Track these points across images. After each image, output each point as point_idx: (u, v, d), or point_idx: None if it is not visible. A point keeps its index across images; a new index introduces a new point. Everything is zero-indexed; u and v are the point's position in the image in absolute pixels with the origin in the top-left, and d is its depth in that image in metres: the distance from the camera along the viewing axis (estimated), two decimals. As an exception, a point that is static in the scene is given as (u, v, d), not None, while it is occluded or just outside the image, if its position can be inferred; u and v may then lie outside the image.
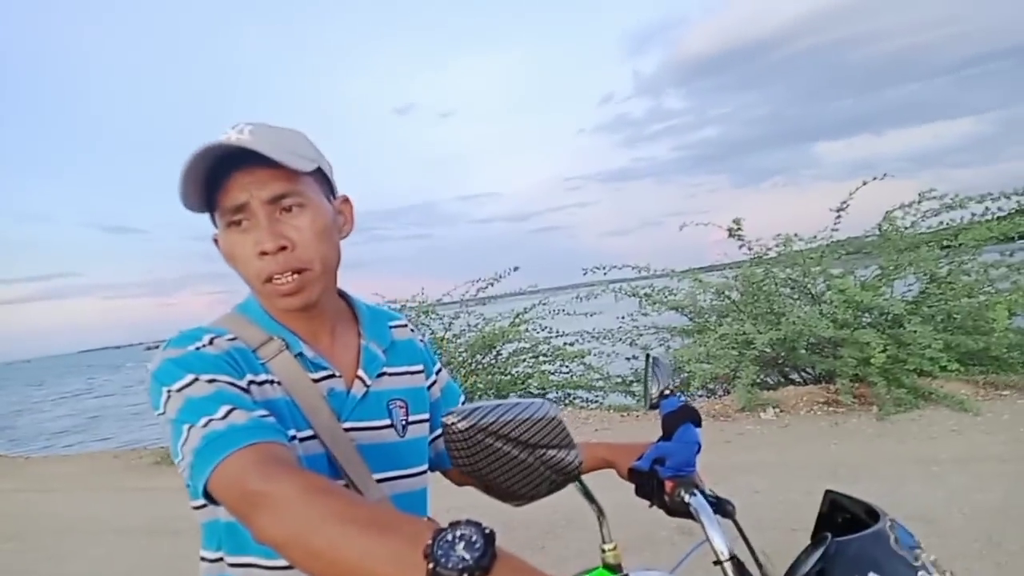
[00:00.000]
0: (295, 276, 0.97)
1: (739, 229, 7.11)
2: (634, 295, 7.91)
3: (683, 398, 1.17)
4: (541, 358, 8.26)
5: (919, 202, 6.86)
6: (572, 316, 8.45)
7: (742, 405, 6.17)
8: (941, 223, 7.07)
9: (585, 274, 7.87)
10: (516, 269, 8.59)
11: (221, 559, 1.00)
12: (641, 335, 7.93)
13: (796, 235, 7.23)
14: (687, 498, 1.03)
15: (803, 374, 7.10)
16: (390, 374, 1.12)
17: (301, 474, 0.76)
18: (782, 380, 7.21)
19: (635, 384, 7.97)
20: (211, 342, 0.95)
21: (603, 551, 1.26)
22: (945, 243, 6.79)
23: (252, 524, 0.74)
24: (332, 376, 1.04)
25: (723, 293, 7.55)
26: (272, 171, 0.95)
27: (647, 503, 1.14)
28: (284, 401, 0.97)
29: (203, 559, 1.04)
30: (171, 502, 6.11)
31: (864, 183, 7.10)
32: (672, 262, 7.94)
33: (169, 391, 0.88)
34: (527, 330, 8.38)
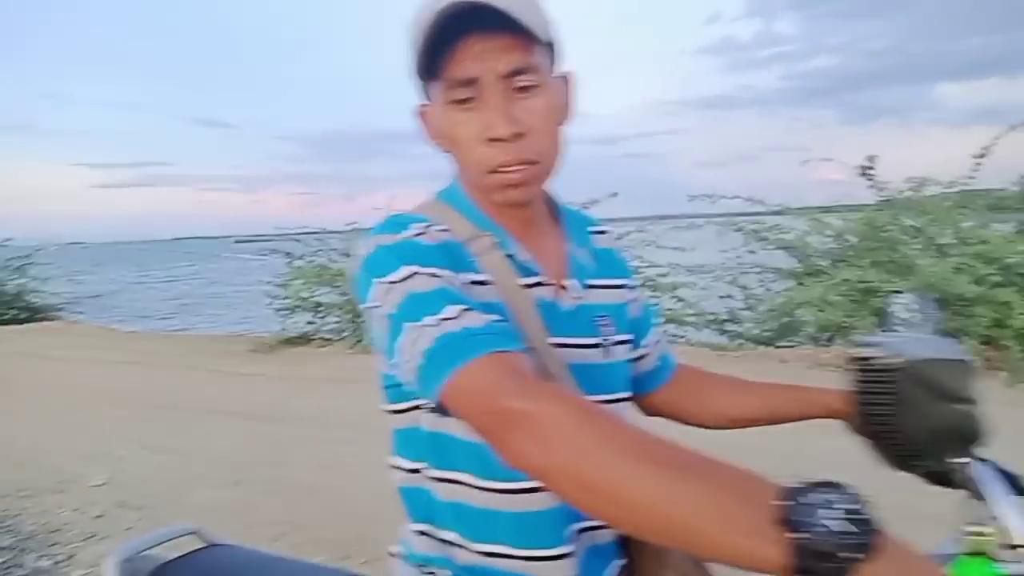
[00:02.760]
0: (525, 167, 0.85)
1: (871, 168, 6.60)
2: (740, 230, 7.53)
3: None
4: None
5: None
6: (663, 249, 8.13)
7: (854, 357, 5.82)
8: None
9: (691, 201, 7.51)
10: (615, 195, 8.30)
11: (419, 471, 0.91)
12: (745, 273, 7.58)
13: (929, 179, 6.69)
14: (964, 467, 0.84)
15: (919, 330, 6.65)
16: (596, 286, 0.98)
17: (566, 393, 0.65)
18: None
19: (728, 323, 7.68)
20: (424, 231, 0.83)
21: (975, 534, 1.01)
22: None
23: (506, 445, 0.64)
24: (541, 284, 0.90)
25: (842, 236, 7.08)
26: (511, 39, 0.81)
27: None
28: (500, 306, 0.83)
29: (395, 467, 0.94)
30: (269, 389, 6.31)
31: (1013, 128, 6.49)
32: (768, 200, 7.49)
33: (386, 282, 0.77)
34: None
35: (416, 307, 0.74)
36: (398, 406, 0.90)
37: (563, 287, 0.93)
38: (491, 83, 0.82)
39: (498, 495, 0.86)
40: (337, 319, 8.88)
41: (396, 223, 0.84)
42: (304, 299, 8.72)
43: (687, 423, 1.13)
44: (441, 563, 0.90)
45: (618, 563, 0.93)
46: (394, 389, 0.89)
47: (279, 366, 7.43)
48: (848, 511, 0.47)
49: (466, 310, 0.73)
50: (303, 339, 8.62)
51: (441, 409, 0.71)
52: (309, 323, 8.83)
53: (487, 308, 0.77)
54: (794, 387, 1.05)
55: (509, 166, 0.84)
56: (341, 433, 4.77)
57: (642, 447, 0.57)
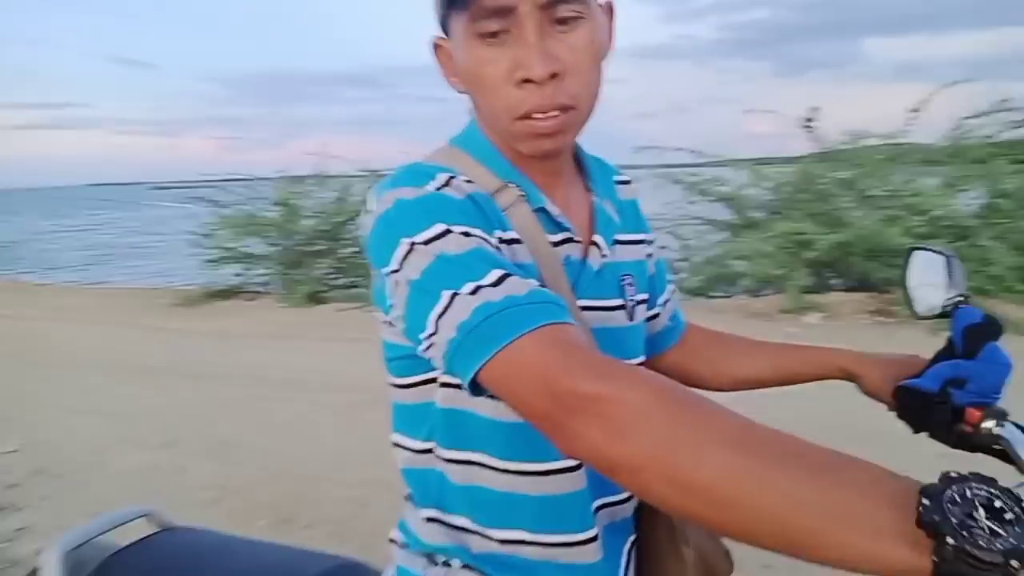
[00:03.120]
0: (560, 113, 0.74)
1: (813, 120, 6.68)
2: (679, 182, 7.55)
3: (982, 309, 0.91)
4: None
5: (995, 112, 6.47)
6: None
7: (788, 307, 5.98)
8: (1016, 137, 6.71)
9: (637, 153, 7.48)
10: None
11: (430, 451, 0.81)
12: (683, 224, 7.63)
13: (864, 132, 6.83)
14: (998, 431, 0.79)
15: (847, 279, 6.87)
16: (622, 242, 0.89)
17: (644, 373, 0.56)
18: (822, 284, 7.00)
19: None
20: (448, 182, 0.72)
21: None
22: (1021, 158, 6.42)
23: (567, 432, 0.55)
24: (570, 240, 0.81)
25: (778, 188, 7.20)
26: None
27: (911, 429, 0.91)
28: (533, 267, 0.74)
29: (400, 446, 0.85)
30: (196, 345, 6.05)
31: (946, 86, 6.67)
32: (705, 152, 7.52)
33: (412, 243, 0.67)
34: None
35: (448, 272, 0.64)
36: (406, 380, 0.80)
37: (591, 244, 0.84)
38: (527, 13, 0.70)
39: (521, 477, 0.78)
40: (266, 271, 8.59)
41: (417, 173, 0.73)
42: (231, 250, 8.39)
43: (694, 386, 1.06)
44: (453, 552, 0.81)
45: (633, 538, 0.87)
46: (402, 361, 0.79)
47: (206, 320, 7.14)
48: (1004, 510, 0.40)
49: (506, 275, 0.63)
50: (231, 292, 8.31)
51: (476, 389, 0.62)
52: (237, 275, 8.52)
53: (521, 271, 0.67)
54: (805, 348, 0.99)
55: (542, 111, 0.73)
56: (275, 391, 4.61)
57: (751, 437, 0.49)
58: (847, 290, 6.73)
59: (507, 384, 0.59)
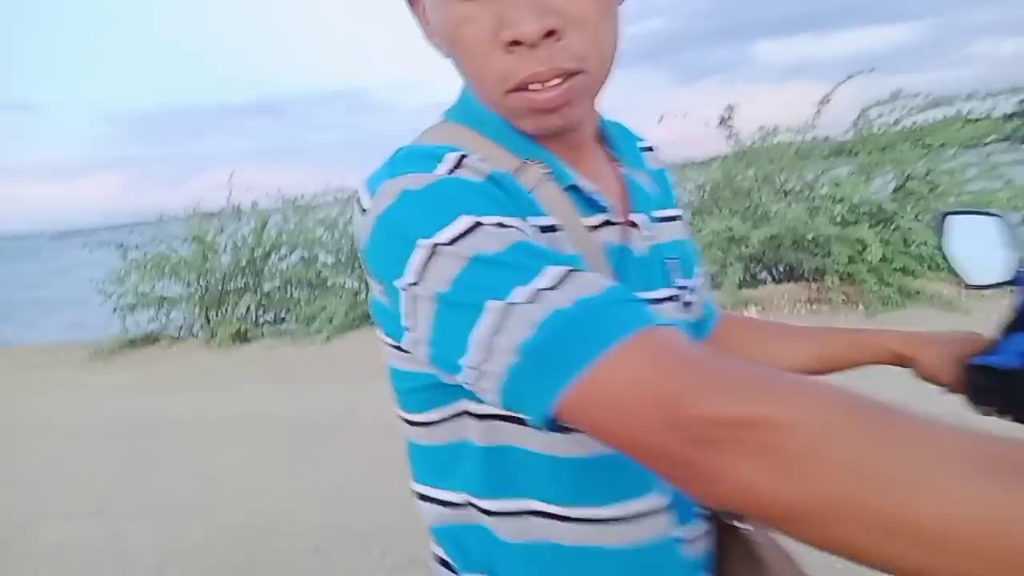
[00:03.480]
0: (563, 81, 0.59)
1: (730, 118, 6.84)
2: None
3: None
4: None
5: (894, 100, 6.79)
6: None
7: (726, 303, 6.06)
8: (915, 123, 7.05)
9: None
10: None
11: (468, 504, 0.65)
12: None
13: (771, 128, 7.05)
14: None
15: (776, 272, 7.03)
16: (660, 219, 0.75)
17: (805, 381, 0.41)
18: (754, 278, 7.14)
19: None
20: (460, 163, 0.57)
21: None
22: (926, 142, 6.75)
23: (708, 473, 0.40)
24: (608, 223, 0.67)
25: (703, 188, 7.33)
26: None
27: (982, 411, 0.83)
28: (579, 258, 0.59)
29: (426, 499, 0.69)
30: (118, 398, 5.64)
31: (850, 77, 6.96)
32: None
33: (433, 244, 0.51)
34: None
35: (488, 276, 0.49)
36: (428, 415, 0.65)
37: (632, 224, 0.70)
38: None
39: (593, 526, 0.63)
40: (185, 314, 8.14)
41: (419, 156, 0.58)
42: (144, 295, 7.90)
43: None
44: None
45: None
46: (421, 393, 0.65)
47: (125, 372, 6.68)
48: None
49: (569, 272, 0.49)
50: (150, 338, 7.82)
51: (553, 426, 0.47)
52: (152, 320, 8.02)
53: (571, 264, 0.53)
54: (851, 331, 0.90)
55: (539, 80, 0.58)
56: (211, 439, 4.31)
57: (987, 453, 0.35)
58: (778, 282, 6.91)
59: (601, 416, 0.45)
